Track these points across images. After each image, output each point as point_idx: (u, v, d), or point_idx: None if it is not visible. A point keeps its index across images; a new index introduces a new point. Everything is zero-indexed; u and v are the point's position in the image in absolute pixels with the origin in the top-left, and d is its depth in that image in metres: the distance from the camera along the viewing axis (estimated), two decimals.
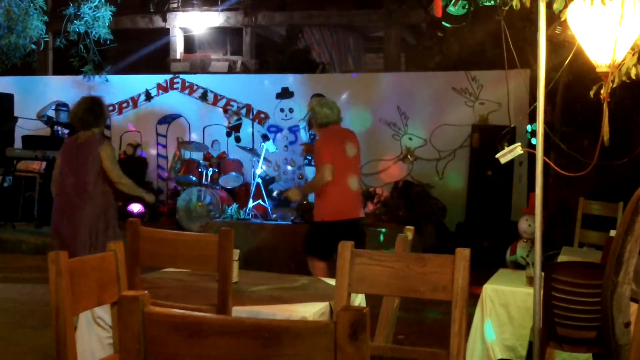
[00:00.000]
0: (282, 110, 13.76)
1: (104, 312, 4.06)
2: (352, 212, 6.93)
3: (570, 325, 4.38)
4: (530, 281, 5.03)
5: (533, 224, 4.52)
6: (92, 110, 6.65)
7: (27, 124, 13.15)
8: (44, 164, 12.31)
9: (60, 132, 12.19)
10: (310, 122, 11.04)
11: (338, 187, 6.84)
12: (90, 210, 6.49)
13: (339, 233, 6.26)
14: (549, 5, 4.25)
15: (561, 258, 6.60)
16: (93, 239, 6.43)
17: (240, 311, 3.88)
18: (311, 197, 11.02)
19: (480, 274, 5.45)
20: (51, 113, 12.31)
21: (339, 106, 7.20)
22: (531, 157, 6.93)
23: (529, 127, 10.70)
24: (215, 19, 21.42)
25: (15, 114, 13.36)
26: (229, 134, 13.23)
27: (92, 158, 6.48)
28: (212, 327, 1.96)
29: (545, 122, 4.36)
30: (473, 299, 4.16)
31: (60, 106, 12.33)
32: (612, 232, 5.72)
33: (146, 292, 2.01)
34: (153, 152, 14.49)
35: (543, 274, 4.39)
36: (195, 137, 14.11)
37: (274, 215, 11.04)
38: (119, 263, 3.47)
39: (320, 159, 6.88)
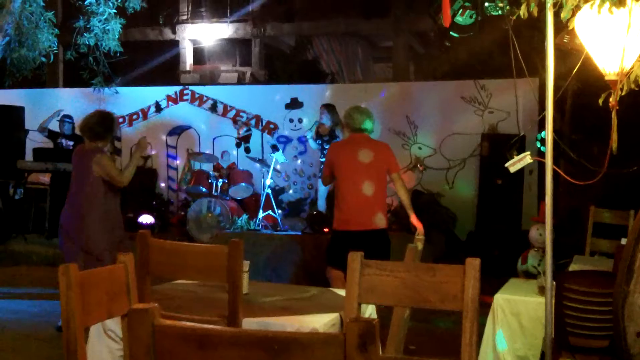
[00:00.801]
0: (291, 120, 13.77)
1: (114, 324, 4.07)
2: (362, 222, 6.83)
3: (582, 334, 4.37)
4: (542, 290, 5.01)
5: (544, 233, 4.51)
6: (103, 123, 6.84)
7: (38, 136, 13.19)
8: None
9: (64, 144, 12.23)
10: (318, 132, 11.08)
11: (347, 196, 6.81)
12: (93, 214, 6.74)
13: (351, 244, 6.23)
14: (557, 14, 4.24)
15: (572, 267, 6.58)
16: (102, 241, 6.70)
17: (250, 322, 3.88)
18: (321, 206, 11.09)
19: (491, 283, 5.44)
20: (54, 125, 12.34)
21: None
22: (541, 166, 6.94)
23: (538, 136, 10.70)
24: (224, 30, 21.52)
25: (26, 126, 13.40)
26: (238, 145, 13.24)
27: (90, 167, 6.71)
28: (222, 339, 1.96)
29: (555, 130, 4.35)
30: (484, 308, 4.16)
31: (65, 117, 12.39)
32: (624, 240, 5.70)
33: (156, 304, 2.01)
34: (163, 163, 14.52)
35: (554, 283, 4.37)
36: (204, 148, 14.13)
37: (284, 226, 11.03)
38: (129, 275, 3.47)
39: (323, 168, 7.29)
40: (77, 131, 9.42)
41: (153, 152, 14.45)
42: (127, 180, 6.81)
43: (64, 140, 12.32)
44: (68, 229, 6.79)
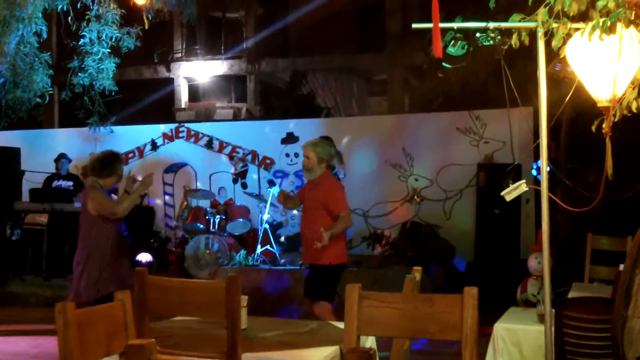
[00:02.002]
0: (287, 155, 13.80)
1: None
2: None
3: None
4: (542, 319, 4.99)
5: (542, 261, 4.50)
6: (103, 160, 6.82)
7: (34, 177, 13.21)
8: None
9: (63, 186, 12.25)
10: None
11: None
12: (89, 250, 6.67)
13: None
14: (548, 43, 4.27)
15: (572, 294, 6.56)
16: (100, 274, 6.64)
17: (250, 358, 3.86)
18: None
19: (491, 313, 5.42)
20: (52, 166, 12.36)
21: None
22: (538, 194, 6.96)
23: (534, 164, 10.72)
24: (219, 67, 21.63)
25: (22, 167, 13.42)
26: (235, 181, 13.25)
27: (86, 205, 6.69)
28: None
29: (551, 159, 4.38)
30: (485, 338, 4.13)
31: (62, 157, 12.43)
32: (622, 267, 5.69)
33: (152, 340, 2.00)
34: (160, 201, 14.51)
35: (553, 311, 4.36)
36: (201, 184, 14.14)
37: (283, 260, 11.01)
38: (126, 313, 3.46)
39: (342, 206, 6.96)
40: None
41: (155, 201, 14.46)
42: (123, 211, 6.67)
43: (62, 182, 12.34)
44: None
